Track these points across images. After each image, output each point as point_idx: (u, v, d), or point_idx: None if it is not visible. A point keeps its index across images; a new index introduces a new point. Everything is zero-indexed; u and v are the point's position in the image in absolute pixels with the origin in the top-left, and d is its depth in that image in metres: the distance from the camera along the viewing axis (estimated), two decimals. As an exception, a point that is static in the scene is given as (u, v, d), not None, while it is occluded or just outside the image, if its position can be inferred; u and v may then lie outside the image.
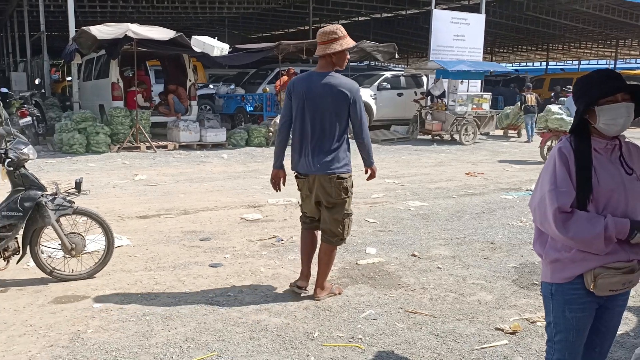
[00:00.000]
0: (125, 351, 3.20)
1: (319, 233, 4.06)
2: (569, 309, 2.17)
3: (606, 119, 2.09)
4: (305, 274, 4.09)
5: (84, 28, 10.91)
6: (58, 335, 3.41)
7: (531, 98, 15.02)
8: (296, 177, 3.99)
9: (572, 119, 10.81)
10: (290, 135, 3.97)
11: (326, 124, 3.79)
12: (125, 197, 7.31)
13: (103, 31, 10.81)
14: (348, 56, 3.89)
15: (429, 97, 15.09)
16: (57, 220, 4.16)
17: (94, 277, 4.34)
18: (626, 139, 2.24)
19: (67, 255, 4.29)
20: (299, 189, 4.02)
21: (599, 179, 2.09)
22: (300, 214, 4.16)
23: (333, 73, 3.82)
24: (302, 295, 4.03)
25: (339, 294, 4.10)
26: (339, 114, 3.80)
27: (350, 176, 3.92)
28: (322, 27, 3.94)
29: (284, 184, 4.08)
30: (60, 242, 4.23)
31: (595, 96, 2.09)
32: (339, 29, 3.78)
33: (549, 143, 10.77)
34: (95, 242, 4.46)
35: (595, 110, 2.10)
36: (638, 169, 2.17)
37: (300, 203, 4.14)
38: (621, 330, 3.58)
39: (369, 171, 4.12)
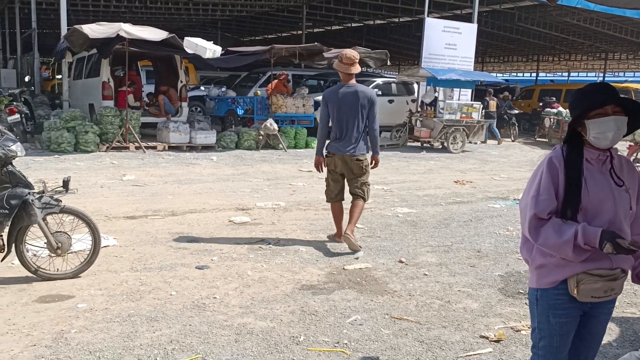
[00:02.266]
0: (109, 352, 3.18)
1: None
2: (553, 314, 2.20)
3: (595, 132, 2.12)
4: (340, 233, 5.43)
5: (76, 26, 10.84)
6: (41, 334, 3.37)
7: (493, 104, 16.62)
8: (327, 155, 5.41)
9: None
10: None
11: (355, 120, 5.26)
12: (112, 197, 7.27)
13: (95, 30, 10.74)
14: None
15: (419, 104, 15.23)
16: (44, 219, 4.13)
17: (79, 277, 4.30)
18: (619, 153, 2.26)
19: (53, 254, 4.25)
20: (329, 166, 5.40)
21: (588, 189, 2.12)
22: (326, 191, 5.49)
23: (355, 84, 5.34)
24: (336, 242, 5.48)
25: (359, 249, 5.26)
26: (363, 113, 5.28)
27: (367, 157, 5.43)
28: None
29: (324, 166, 5.46)
30: (46, 241, 4.20)
31: (583, 109, 2.12)
32: (356, 55, 5.29)
33: (634, 155, 11.32)
34: (81, 241, 4.42)
35: (586, 123, 2.13)
36: (627, 182, 2.20)
37: (327, 181, 5.48)
38: (604, 340, 3.61)
39: (374, 161, 5.49)
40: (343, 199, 5.49)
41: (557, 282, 2.17)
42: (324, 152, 5.47)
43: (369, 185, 5.49)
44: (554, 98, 18.50)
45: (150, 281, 4.33)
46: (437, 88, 14.74)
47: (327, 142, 5.47)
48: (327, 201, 5.59)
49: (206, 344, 3.33)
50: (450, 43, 16.29)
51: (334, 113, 5.32)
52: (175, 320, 3.64)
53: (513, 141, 17.43)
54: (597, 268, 2.12)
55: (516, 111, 18.15)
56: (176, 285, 4.28)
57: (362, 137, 5.32)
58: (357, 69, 5.29)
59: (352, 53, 5.29)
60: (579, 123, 2.17)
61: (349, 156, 5.29)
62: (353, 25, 26.67)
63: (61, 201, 4.21)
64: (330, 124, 5.42)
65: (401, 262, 5.08)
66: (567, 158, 2.16)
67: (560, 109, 17.53)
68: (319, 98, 9.65)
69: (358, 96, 5.26)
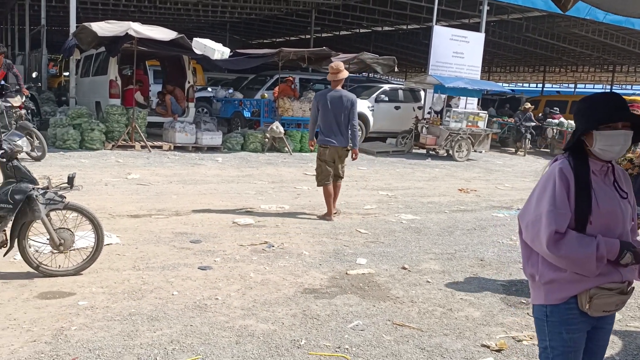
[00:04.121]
0: (108, 350, 3.17)
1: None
2: (566, 329, 2.14)
3: (603, 145, 2.09)
4: (330, 212, 6.74)
5: (85, 24, 10.87)
6: (41, 330, 3.37)
7: None
8: (321, 146, 6.77)
9: None
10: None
11: (340, 118, 6.64)
12: (117, 195, 7.27)
13: (104, 28, 10.78)
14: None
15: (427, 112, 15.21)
16: (47, 215, 4.13)
17: (81, 274, 4.30)
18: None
19: (55, 251, 4.25)
20: (321, 155, 6.74)
21: (598, 201, 2.08)
22: (320, 176, 6.76)
23: (341, 89, 6.73)
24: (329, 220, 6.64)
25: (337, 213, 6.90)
26: (346, 113, 6.64)
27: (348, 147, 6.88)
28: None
29: (314, 147, 7.06)
30: (48, 237, 4.20)
31: (597, 121, 2.08)
32: (342, 65, 6.71)
33: None
34: (84, 238, 4.42)
35: (594, 134, 2.09)
36: (629, 193, 2.19)
37: (320, 168, 6.76)
38: (607, 353, 3.58)
39: (354, 153, 6.93)
40: (331, 182, 6.77)
41: (567, 297, 2.12)
42: (318, 144, 6.85)
43: (345, 165, 7.03)
44: (557, 109, 18.36)
45: (152, 280, 4.32)
46: (444, 96, 14.73)
47: (319, 136, 6.73)
48: (318, 185, 6.83)
49: (207, 345, 3.31)
50: (457, 51, 16.28)
51: (324, 112, 6.62)
52: (177, 320, 3.63)
53: (524, 155, 16.36)
54: (608, 282, 2.09)
55: (533, 123, 16.86)
56: (178, 285, 4.26)
57: (346, 131, 6.66)
58: (344, 74, 6.64)
59: (337, 63, 6.74)
60: (585, 132, 2.13)
61: (340, 147, 6.68)
62: (361, 31, 26.68)
63: (65, 197, 4.21)
64: (318, 121, 6.76)
65: (404, 268, 5.05)
66: (575, 169, 2.11)
67: (562, 119, 17.37)
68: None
69: (343, 99, 6.62)
